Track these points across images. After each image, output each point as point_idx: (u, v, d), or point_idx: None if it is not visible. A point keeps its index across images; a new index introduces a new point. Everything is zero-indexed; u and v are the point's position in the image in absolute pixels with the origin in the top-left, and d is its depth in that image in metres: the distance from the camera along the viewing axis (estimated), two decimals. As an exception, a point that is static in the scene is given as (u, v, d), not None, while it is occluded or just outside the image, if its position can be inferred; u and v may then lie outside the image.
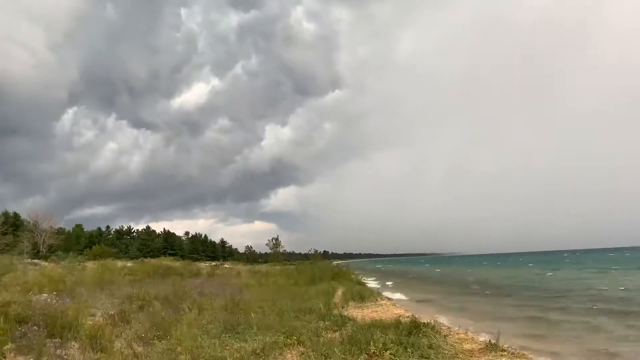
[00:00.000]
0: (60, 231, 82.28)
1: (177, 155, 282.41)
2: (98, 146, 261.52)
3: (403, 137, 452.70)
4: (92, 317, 12.33)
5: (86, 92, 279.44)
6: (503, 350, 10.09)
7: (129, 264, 43.46)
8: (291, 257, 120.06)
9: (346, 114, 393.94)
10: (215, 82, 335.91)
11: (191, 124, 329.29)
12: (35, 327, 9.14)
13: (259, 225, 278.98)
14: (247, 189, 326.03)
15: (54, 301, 13.00)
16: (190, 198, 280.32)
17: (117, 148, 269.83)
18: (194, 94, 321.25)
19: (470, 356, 9.58)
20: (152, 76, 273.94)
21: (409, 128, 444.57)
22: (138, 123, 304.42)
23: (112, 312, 12.88)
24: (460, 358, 9.35)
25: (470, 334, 12.82)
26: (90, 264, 38.62)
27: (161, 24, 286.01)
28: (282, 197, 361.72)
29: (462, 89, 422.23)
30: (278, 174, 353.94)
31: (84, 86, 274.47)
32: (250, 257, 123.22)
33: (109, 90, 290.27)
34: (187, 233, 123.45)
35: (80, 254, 69.10)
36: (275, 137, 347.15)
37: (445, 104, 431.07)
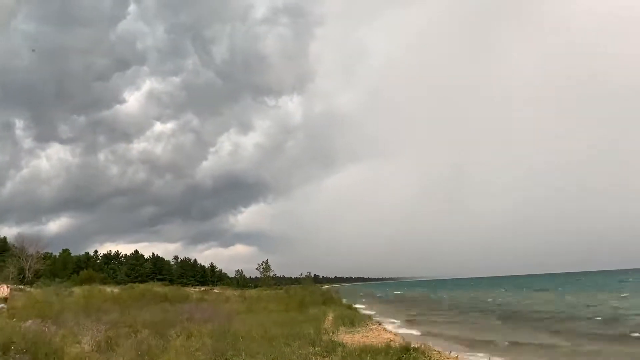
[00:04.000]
0: (47, 256, 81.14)
1: (112, 171, 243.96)
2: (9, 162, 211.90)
3: (383, 147, 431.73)
4: (78, 344, 12.12)
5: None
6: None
7: (117, 289, 42.85)
8: (281, 281, 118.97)
9: (316, 120, 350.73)
10: (154, 85, 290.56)
11: (126, 134, 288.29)
12: (19, 355, 8.95)
13: (240, 248, 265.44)
14: (207, 207, 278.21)
15: (40, 328, 12.80)
16: (143, 218, 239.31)
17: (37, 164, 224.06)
18: (129, 100, 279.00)
19: (461, 381, 9.52)
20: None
21: (393, 136, 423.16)
22: (56, 136, 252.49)
23: (99, 339, 12.65)
24: (451, 383, 9.29)
25: (461, 358, 12.76)
26: (77, 290, 38.02)
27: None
28: (252, 216, 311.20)
29: (442, 96, 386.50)
30: (240, 189, 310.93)
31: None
32: (241, 281, 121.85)
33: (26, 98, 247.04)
34: (176, 257, 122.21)
35: (68, 279, 67.99)
36: (235, 147, 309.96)
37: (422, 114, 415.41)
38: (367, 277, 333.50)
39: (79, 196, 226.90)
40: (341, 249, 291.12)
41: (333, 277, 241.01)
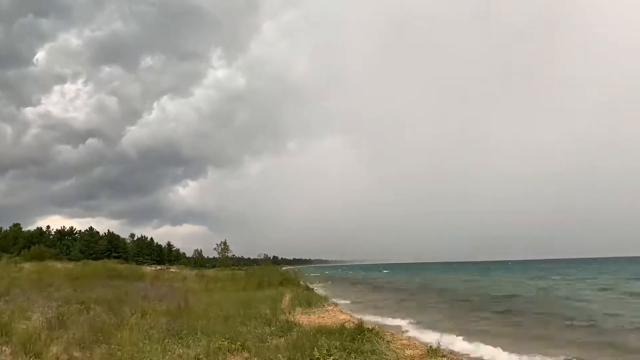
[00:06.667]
0: (-5, 230, 78.48)
1: (17, 136, 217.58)
2: None
3: (342, 123, 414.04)
4: (27, 321, 11.84)
5: None
6: (443, 356, 10.38)
7: (70, 265, 41.82)
8: (240, 262, 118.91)
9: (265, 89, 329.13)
10: (71, 39, 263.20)
11: (34, 94, 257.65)
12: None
13: (190, 227, 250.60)
14: (143, 180, 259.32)
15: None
16: (69, 191, 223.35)
17: None
18: (39, 56, 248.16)
19: (411, 361, 9.82)
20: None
21: (352, 111, 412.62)
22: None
23: (49, 316, 12.39)
24: (402, 363, 9.57)
25: (412, 340, 13.13)
26: (27, 265, 36.90)
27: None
28: (199, 192, 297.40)
29: (411, 69, 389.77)
30: (180, 161, 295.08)
31: None
32: (199, 261, 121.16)
33: None
34: (132, 235, 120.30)
35: (18, 254, 65.96)
36: (170, 115, 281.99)
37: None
38: (325, 259, 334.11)
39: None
40: (298, 229, 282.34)
41: (292, 258, 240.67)
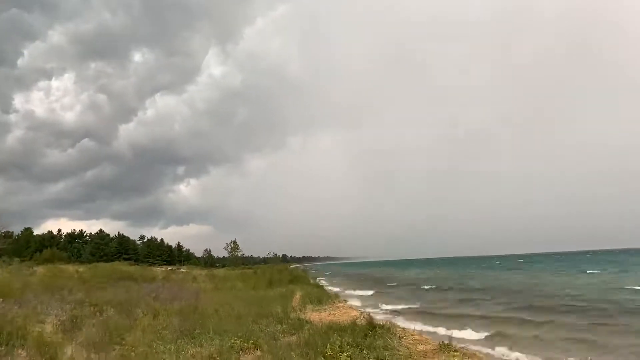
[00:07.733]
0: (8, 235, 79.05)
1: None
2: None
3: (345, 117, 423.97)
4: (42, 324, 11.95)
5: None
6: (455, 351, 10.35)
7: (81, 268, 42.12)
8: (249, 261, 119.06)
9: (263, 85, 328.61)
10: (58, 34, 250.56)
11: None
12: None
13: (196, 227, 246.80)
14: (143, 180, 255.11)
15: (1, 307, 12.54)
16: (67, 193, 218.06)
17: None
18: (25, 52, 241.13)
19: (424, 357, 9.80)
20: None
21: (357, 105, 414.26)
22: None
23: (63, 318, 12.50)
24: (414, 359, 9.55)
25: (424, 335, 13.10)
26: (40, 269, 37.22)
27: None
28: (198, 192, 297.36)
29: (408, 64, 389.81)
30: (179, 160, 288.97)
31: None
32: (209, 261, 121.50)
33: None
34: (142, 237, 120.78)
35: (30, 258, 66.50)
36: (165, 111, 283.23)
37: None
38: (334, 256, 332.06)
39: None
40: (306, 227, 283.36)
41: (301, 256, 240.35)
